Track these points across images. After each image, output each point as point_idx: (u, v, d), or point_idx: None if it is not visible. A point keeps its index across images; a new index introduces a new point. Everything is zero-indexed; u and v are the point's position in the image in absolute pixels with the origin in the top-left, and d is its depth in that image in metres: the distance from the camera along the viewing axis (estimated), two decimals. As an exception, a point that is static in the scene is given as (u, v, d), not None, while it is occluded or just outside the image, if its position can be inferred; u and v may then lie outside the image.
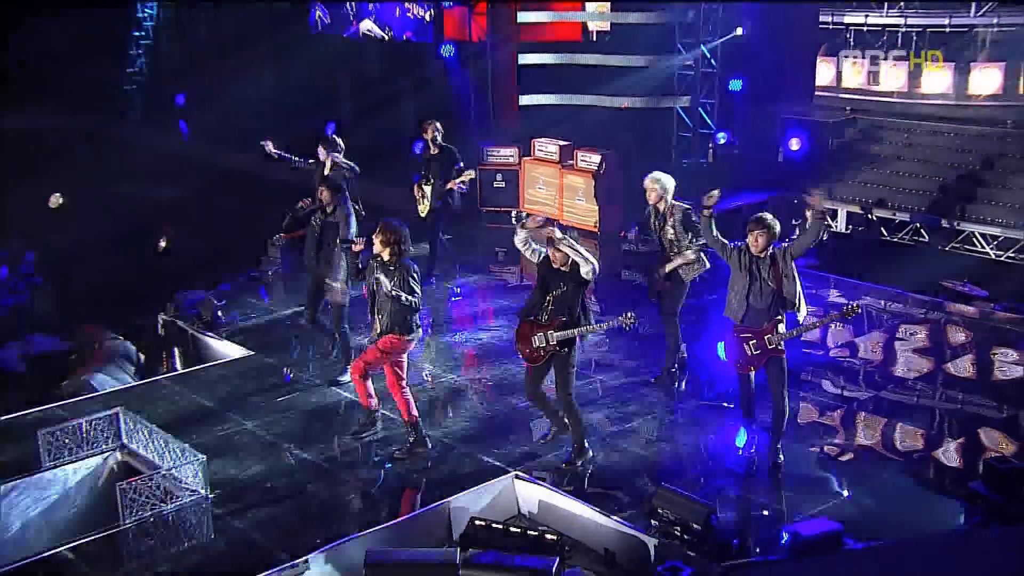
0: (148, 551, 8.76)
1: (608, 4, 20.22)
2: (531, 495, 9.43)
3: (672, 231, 11.09)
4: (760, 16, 19.71)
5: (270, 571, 8.23)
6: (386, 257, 9.60)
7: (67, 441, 10.03)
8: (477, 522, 8.59)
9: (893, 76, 19.67)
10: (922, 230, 17.75)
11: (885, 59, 19.79)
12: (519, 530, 8.58)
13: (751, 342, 9.36)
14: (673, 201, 11.13)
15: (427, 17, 21.11)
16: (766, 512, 9.23)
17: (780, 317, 9.31)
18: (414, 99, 21.86)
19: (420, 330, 10.05)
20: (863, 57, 20.05)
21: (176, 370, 12.55)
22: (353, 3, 23.12)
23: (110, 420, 10.32)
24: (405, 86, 22.10)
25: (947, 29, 19.13)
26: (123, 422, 10.32)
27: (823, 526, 8.41)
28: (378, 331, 9.78)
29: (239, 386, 11.69)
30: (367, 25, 22.57)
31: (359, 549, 8.39)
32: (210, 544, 8.84)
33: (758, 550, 8.55)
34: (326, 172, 12.62)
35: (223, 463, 10.03)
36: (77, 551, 8.76)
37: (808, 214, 9.92)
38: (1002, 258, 16.81)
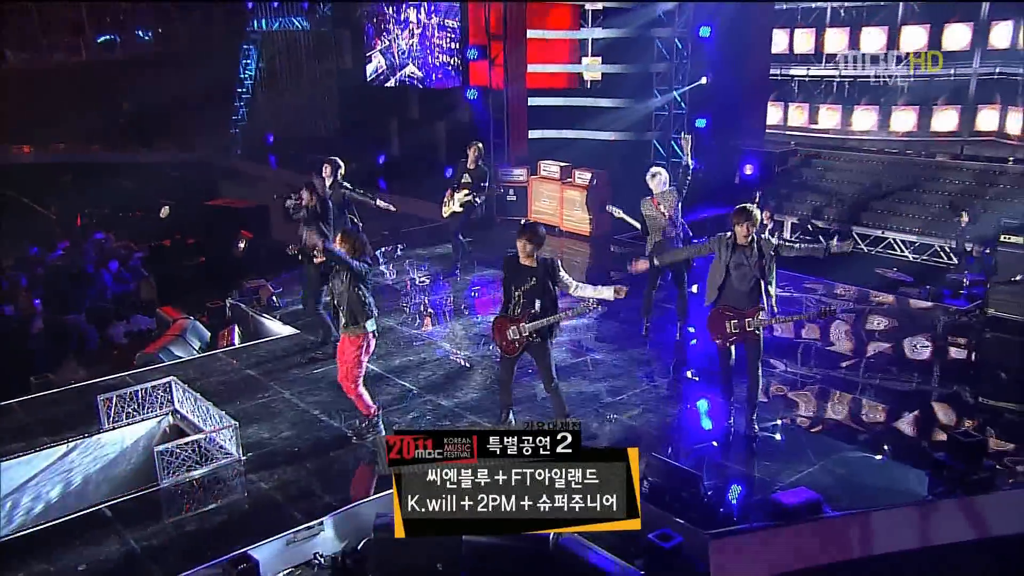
0: (179, 510, 6.90)
1: (599, 59, 18.70)
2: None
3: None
4: (721, 68, 18.33)
5: (287, 532, 6.42)
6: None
7: (124, 406, 8.25)
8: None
9: (828, 117, 18.15)
10: (854, 237, 16.02)
11: (823, 103, 18.21)
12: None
13: (732, 320, 7.63)
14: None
15: (456, 62, 19.56)
16: (747, 481, 7.31)
17: (763, 305, 7.58)
18: (445, 132, 20.25)
19: (374, 324, 7.68)
20: (805, 102, 18.46)
21: (233, 345, 10.68)
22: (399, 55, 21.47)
23: (164, 388, 8.51)
24: (438, 122, 20.47)
25: (871, 80, 17.48)
26: (175, 390, 8.50)
27: (804, 495, 6.59)
28: (343, 322, 7.62)
29: (282, 359, 9.86)
30: (410, 69, 21.06)
31: (373, 512, 6.57)
32: (235, 505, 6.98)
33: (743, 518, 6.65)
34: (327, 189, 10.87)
35: (259, 428, 8.21)
36: (116, 509, 6.95)
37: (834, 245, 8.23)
38: (918, 260, 15.41)
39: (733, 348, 7.82)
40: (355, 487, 7.19)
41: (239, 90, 29.46)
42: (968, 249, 13.07)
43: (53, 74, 30.13)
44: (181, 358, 10.26)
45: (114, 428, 8.17)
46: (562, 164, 15.93)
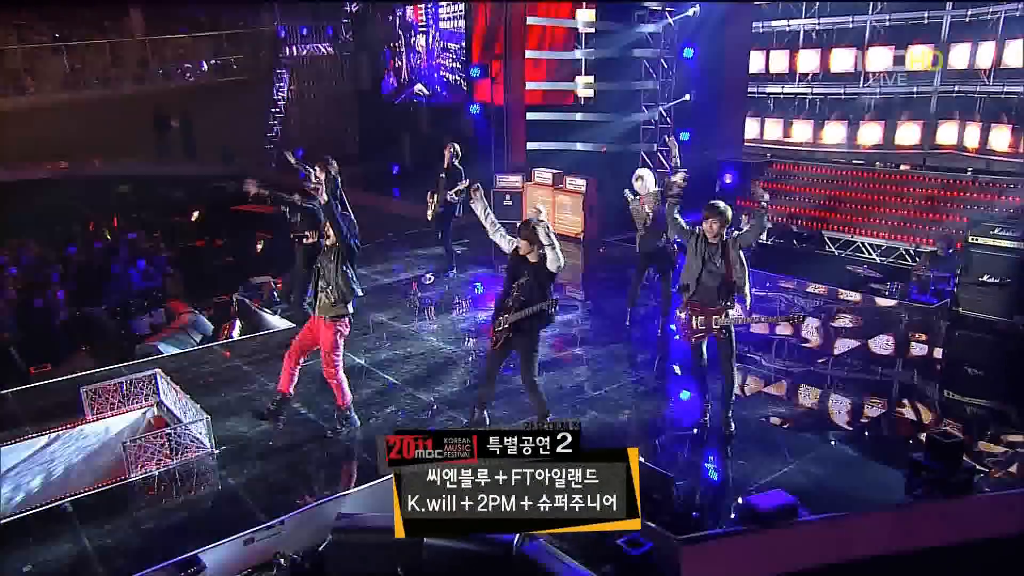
0: (141, 507, 5.82)
1: (592, 77, 17.53)
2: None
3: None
4: (703, 86, 17.20)
5: (247, 532, 5.34)
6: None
7: (109, 397, 7.19)
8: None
9: (801, 131, 16.89)
10: (826, 241, 14.90)
11: (796, 118, 16.98)
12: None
13: (699, 316, 6.53)
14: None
15: (460, 80, 18.46)
16: (722, 482, 6.20)
17: (730, 304, 6.48)
18: (451, 143, 19.16)
19: (352, 306, 6.77)
20: (780, 117, 17.24)
21: (232, 339, 9.61)
22: (407, 72, 20.40)
23: (149, 380, 7.44)
24: (444, 135, 19.37)
25: (842, 96, 16.25)
26: (159, 382, 7.43)
27: (778, 499, 5.44)
28: (328, 302, 6.63)
29: (274, 351, 8.74)
30: (419, 87, 19.94)
31: (336, 511, 5.49)
32: (200, 501, 5.90)
33: (716, 522, 5.52)
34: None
35: (238, 421, 7.11)
36: (79, 504, 5.88)
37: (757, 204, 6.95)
38: (884, 262, 13.99)
39: (704, 345, 6.69)
40: (324, 485, 6.10)
41: (273, 110, 28.53)
42: (934, 249, 11.84)
43: (123, 100, 29.71)
44: (179, 350, 9.21)
45: (97, 419, 7.12)
46: (554, 171, 14.80)
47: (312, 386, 7.60)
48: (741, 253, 6.51)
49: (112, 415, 7.18)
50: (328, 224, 6.60)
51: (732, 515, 5.49)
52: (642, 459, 5.70)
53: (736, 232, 6.65)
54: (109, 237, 16.55)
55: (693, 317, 6.52)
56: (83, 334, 11.40)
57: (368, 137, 23.80)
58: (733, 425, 6.68)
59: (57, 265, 14.70)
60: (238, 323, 9.94)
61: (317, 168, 8.57)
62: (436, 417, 7.12)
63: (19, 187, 24.37)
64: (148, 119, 28.82)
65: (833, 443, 6.63)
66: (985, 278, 9.41)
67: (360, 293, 6.72)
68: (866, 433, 6.91)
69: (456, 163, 11.23)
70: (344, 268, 6.59)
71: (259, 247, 15.31)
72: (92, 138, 27.65)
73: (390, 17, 20.98)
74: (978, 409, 7.52)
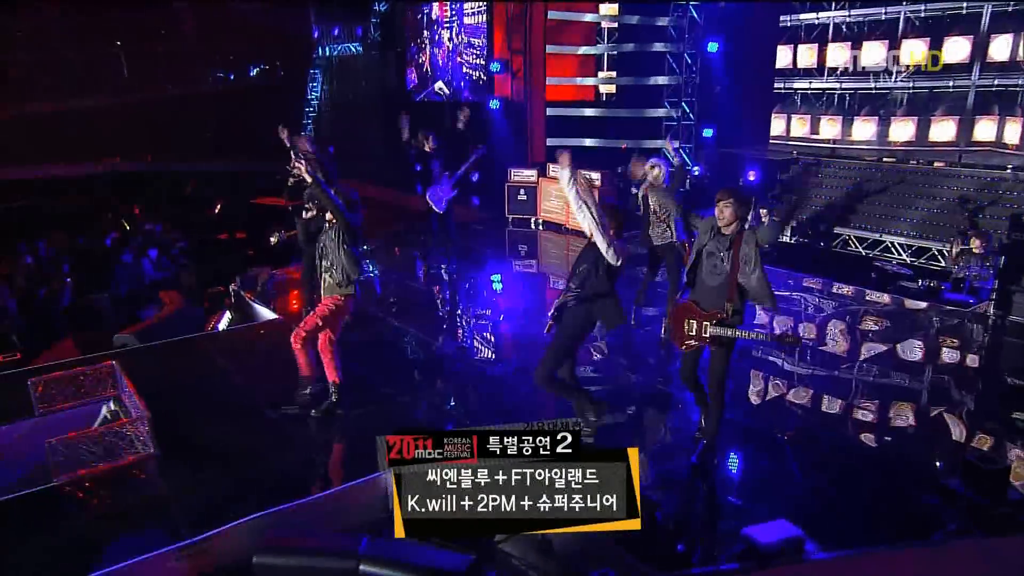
0: (54, 519, 4.95)
1: (615, 72, 16.48)
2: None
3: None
4: (727, 82, 16.20)
5: (165, 549, 4.43)
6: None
7: (63, 389, 6.38)
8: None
9: (829, 127, 15.63)
10: (852, 241, 13.65)
11: (824, 114, 15.71)
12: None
13: (690, 320, 5.31)
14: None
15: (481, 76, 17.40)
16: (716, 510, 5.07)
17: (730, 307, 5.15)
18: (471, 139, 18.20)
19: (355, 286, 6.20)
20: (807, 113, 15.97)
21: (216, 331, 8.76)
22: (430, 68, 19.51)
23: (108, 372, 6.60)
24: (466, 131, 18.46)
25: (873, 91, 14.96)
26: (119, 374, 6.59)
27: (782, 531, 4.35)
28: (333, 282, 6.18)
29: (251, 346, 7.89)
30: (439, 85, 19.02)
31: (273, 526, 4.56)
32: (123, 513, 4.99)
33: (708, 557, 4.46)
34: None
35: (192, 420, 6.20)
36: (-3, 510, 5.02)
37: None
38: (915, 263, 12.65)
39: (696, 357, 5.44)
40: (265, 498, 5.16)
41: (307, 109, 27.96)
42: (969, 247, 10.47)
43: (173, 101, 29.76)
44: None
45: (47, 413, 6.30)
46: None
47: (282, 384, 6.68)
48: (757, 251, 5.18)
49: (62, 407, 6.35)
50: (321, 201, 6.22)
51: (727, 549, 4.43)
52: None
53: (755, 227, 5.45)
54: (128, 228, 15.92)
55: (686, 321, 5.34)
56: (81, 322, 10.73)
57: (394, 133, 22.99)
58: (716, 459, 5.44)
59: (70, 256, 14.09)
60: (228, 315, 9.10)
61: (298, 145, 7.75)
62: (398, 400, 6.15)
63: (71, 182, 24.25)
64: (193, 119, 28.69)
65: (851, 469, 5.51)
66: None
67: (368, 272, 5.97)
68: (891, 452, 5.77)
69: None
70: (346, 247, 6.15)
71: (273, 240, 14.52)
72: (143, 136, 27.61)
73: (418, 15, 20.12)
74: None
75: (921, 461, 5.63)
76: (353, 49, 24.81)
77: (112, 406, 6.57)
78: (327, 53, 26.37)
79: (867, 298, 9.69)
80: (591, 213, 5.10)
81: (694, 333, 5.26)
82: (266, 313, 9.01)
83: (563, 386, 5.52)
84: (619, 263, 5.25)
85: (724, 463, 5.45)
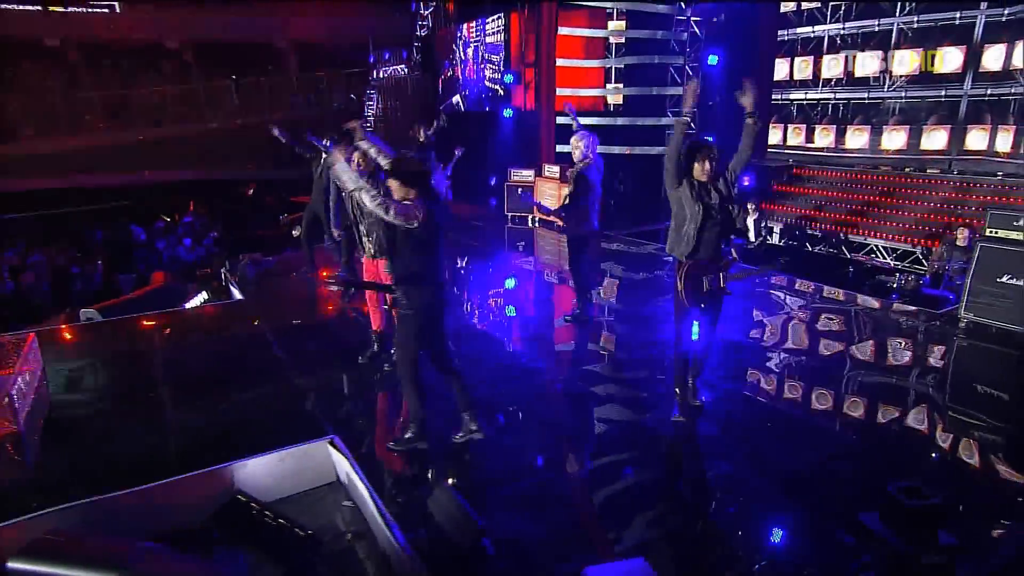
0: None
1: (622, 84, 15.33)
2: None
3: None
4: (727, 93, 14.60)
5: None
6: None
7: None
8: (239, 498, 3.58)
9: (823, 136, 14.22)
10: (842, 245, 12.35)
11: (819, 124, 14.30)
12: (270, 517, 3.53)
13: (708, 276, 4.46)
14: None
15: (499, 88, 16.46)
16: (563, 540, 3.65)
17: (733, 256, 4.83)
18: (492, 146, 17.22)
19: None
20: (803, 123, 14.59)
21: (183, 308, 7.95)
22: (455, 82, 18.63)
23: (26, 342, 5.77)
24: (486, 139, 17.47)
25: (866, 101, 13.50)
26: (36, 345, 5.75)
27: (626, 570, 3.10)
28: (372, 252, 5.67)
29: (211, 324, 7.06)
30: (456, 98, 18.18)
31: (66, 520, 3.56)
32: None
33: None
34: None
35: (95, 398, 5.33)
36: None
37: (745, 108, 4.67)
38: (899, 265, 11.34)
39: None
40: (88, 486, 4.14)
41: (365, 125, 27.56)
42: (952, 239, 8.96)
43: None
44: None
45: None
46: (560, 166, 12.73)
47: (222, 370, 5.83)
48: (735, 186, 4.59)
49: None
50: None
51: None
52: (454, 489, 3.40)
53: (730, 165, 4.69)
54: (168, 220, 15.50)
55: (704, 278, 4.45)
56: (104, 298, 10.18)
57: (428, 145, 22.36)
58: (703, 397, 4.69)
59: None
60: (204, 294, 8.32)
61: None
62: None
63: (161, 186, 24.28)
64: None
65: (760, 488, 4.03)
66: (1005, 279, 6.74)
67: None
68: (790, 484, 4.07)
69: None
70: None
71: (295, 234, 13.90)
72: (241, 151, 27.51)
73: (449, 37, 19.35)
74: (991, 439, 4.69)
75: (832, 490, 4.04)
76: (401, 71, 24.26)
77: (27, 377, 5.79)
78: (380, 76, 25.91)
79: (825, 295, 8.22)
80: (362, 184, 3.94)
81: (713, 287, 4.48)
82: (236, 295, 8.19)
83: (415, 384, 4.26)
84: (413, 225, 3.97)
85: (693, 412, 4.36)
